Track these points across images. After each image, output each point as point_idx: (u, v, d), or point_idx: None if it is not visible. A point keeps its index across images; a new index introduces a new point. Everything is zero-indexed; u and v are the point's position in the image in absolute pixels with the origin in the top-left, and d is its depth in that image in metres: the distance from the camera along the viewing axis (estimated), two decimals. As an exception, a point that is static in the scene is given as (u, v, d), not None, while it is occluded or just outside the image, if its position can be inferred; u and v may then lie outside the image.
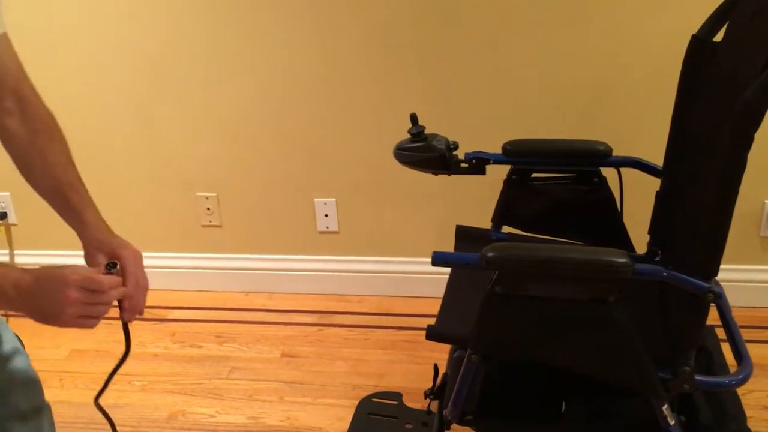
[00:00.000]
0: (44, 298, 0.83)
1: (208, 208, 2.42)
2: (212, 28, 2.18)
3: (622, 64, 2.03)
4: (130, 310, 0.97)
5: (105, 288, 0.88)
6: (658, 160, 1.49)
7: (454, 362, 1.44)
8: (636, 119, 2.07)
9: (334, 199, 2.32)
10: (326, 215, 2.35)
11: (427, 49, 2.10)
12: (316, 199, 2.34)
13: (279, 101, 2.23)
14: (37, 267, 0.88)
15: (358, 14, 2.10)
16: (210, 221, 2.44)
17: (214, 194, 2.41)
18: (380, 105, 2.17)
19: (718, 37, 1.30)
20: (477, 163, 1.54)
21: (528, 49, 2.07)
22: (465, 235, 1.58)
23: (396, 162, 1.56)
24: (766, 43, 1.01)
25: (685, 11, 1.93)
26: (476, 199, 2.13)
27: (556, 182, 1.54)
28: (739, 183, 1.01)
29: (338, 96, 2.20)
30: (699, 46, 1.32)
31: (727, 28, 1.26)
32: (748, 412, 1.28)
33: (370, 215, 2.34)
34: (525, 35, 2.06)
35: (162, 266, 2.48)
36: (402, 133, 1.56)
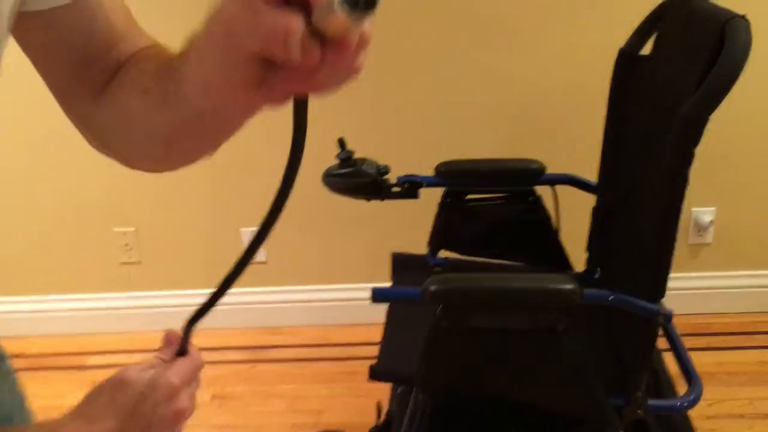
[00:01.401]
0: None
1: (127, 244, 2.27)
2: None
3: (551, 80, 2.03)
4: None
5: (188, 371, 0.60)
6: (592, 175, 1.47)
7: (398, 398, 1.37)
8: (568, 135, 2.06)
9: (260, 228, 2.22)
10: (253, 245, 2.24)
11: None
12: (242, 229, 2.23)
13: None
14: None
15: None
16: (129, 258, 2.29)
17: (132, 229, 2.26)
18: (310, 130, 2.09)
19: (647, 50, 1.29)
20: (410, 187, 1.50)
21: (455, 68, 2.03)
22: (402, 263, 1.52)
23: (324, 187, 1.49)
24: (699, 54, 1.00)
25: (610, 26, 1.93)
26: (410, 223, 2.07)
27: (492, 203, 1.50)
28: (682, 201, 0.98)
29: (260, 119, 2.10)
30: (627, 59, 1.31)
31: (655, 40, 1.25)
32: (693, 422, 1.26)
33: (300, 242, 2.25)
34: (452, 55, 2.02)
35: (79, 309, 2.31)
36: (329, 158, 1.49)
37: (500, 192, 1.50)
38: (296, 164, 0.50)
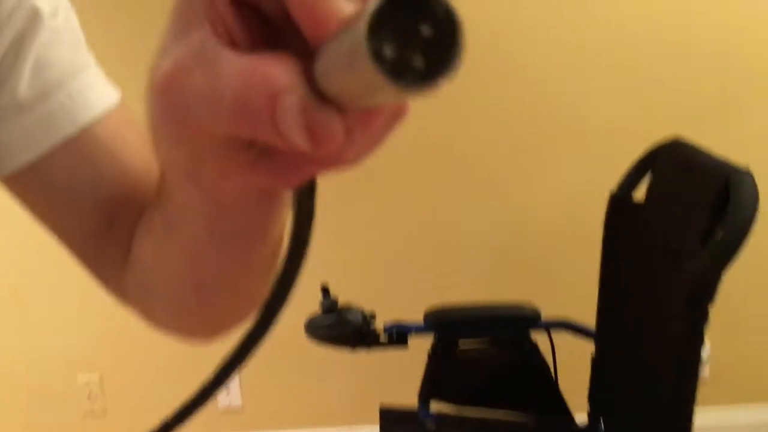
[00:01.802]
0: None
1: (90, 393, 2.12)
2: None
3: (542, 220, 1.99)
4: None
5: None
6: (588, 316, 1.40)
7: None
8: (562, 276, 2.00)
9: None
10: (227, 390, 2.10)
11: (335, 214, 1.99)
12: (215, 373, 2.10)
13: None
14: None
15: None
16: (92, 408, 2.13)
17: (96, 375, 2.12)
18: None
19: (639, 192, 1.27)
20: (398, 336, 1.42)
21: (444, 207, 2.00)
22: (390, 419, 1.41)
23: (306, 339, 1.41)
24: (700, 206, 0.96)
25: (598, 166, 1.92)
26: (398, 371, 1.96)
27: (485, 351, 1.42)
28: (699, 359, 0.92)
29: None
30: (619, 204, 1.28)
31: (650, 185, 1.22)
32: None
33: (279, 386, 2.12)
34: (440, 194, 2.00)
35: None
36: (312, 304, 1.41)
37: (494, 339, 1.42)
38: (294, 272, 0.34)
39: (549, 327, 1.41)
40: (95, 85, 0.45)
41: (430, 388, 1.44)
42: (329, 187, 1.99)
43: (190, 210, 0.34)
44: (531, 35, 1.93)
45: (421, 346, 1.45)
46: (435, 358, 1.42)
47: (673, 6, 1.89)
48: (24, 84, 0.42)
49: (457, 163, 1.99)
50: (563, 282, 1.98)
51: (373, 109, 0.24)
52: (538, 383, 1.42)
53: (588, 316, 1.40)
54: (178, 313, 0.46)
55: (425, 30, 0.20)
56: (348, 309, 1.41)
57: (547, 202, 1.99)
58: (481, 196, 1.99)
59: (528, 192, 1.98)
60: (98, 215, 0.46)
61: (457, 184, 1.99)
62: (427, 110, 1.91)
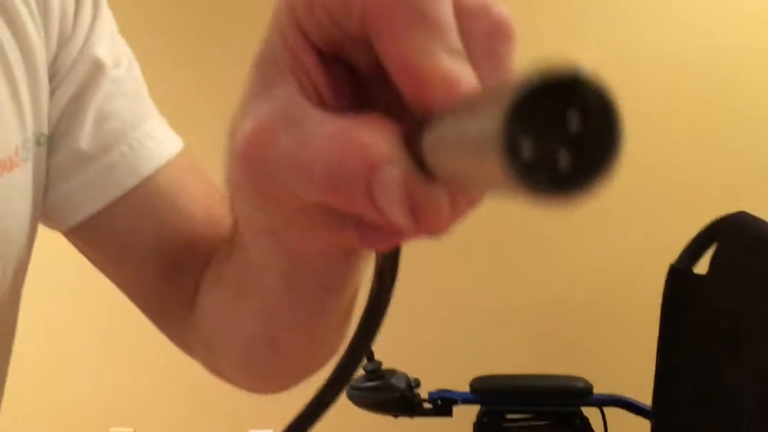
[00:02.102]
0: None
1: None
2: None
3: (594, 291, 1.94)
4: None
5: None
6: (644, 394, 1.34)
7: None
8: (616, 350, 1.93)
9: (272, 431, 2.05)
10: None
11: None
12: (251, 431, 2.06)
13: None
14: None
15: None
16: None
17: (131, 430, 2.09)
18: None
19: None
20: (442, 404, 1.38)
21: (494, 274, 1.96)
22: (433, 492, 1.35)
23: (348, 402, 1.37)
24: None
25: (657, 237, 1.87)
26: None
27: (534, 425, 1.36)
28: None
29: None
30: (679, 277, 1.23)
31: (714, 258, 1.17)
32: None
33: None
34: (490, 260, 1.96)
35: None
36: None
37: (543, 413, 1.36)
38: (374, 329, 0.31)
39: (602, 402, 1.35)
40: (156, 135, 0.44)
41: (474, 462, 1.38)
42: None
43: (266, 265, 0.32)
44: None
45: (465, 415, 1.39)
46: (481, 430, 1.36)
47: (731, 78, 1.87)
48: (86, 136, 0.42)
49: (506, 228, 1.96)
50: (616, 355, 1.91)
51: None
52: (589, 462, 1.35)
53: (643, 392, 1.34)
54: (251, 369, 0.43)
55: (573, 123, 0.16)
56: (392, 373, 1.38)
57: (599, 271, 1.94)
58: (530, 263, 1.95)
59: (578, 260, 1.94)
60: (161, 266, 0.44)
61: (506, 250, 1.96)
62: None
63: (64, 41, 0.42)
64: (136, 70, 0.46)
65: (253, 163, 0.23)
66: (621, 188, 2.01)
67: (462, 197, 0.22)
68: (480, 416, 1.37)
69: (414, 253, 1.74)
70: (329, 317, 0.36)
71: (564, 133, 0.16)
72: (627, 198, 1.91)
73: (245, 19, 1.80)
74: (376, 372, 1.36)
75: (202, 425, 2.08)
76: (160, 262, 0.45)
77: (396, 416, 1.38)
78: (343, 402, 1.40)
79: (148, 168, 0.43)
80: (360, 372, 1.39)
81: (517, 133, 0.16)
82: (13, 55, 0.39)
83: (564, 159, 0.16)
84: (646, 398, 1.33)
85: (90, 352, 2.08)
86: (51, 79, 0.42)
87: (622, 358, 1.87)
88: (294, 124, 0.22)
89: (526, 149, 0.16)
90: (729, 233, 1.13)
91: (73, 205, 0.43)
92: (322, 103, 0.23)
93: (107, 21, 0.44)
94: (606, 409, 1.36)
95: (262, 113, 0.23)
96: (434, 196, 0.21)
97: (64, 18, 0.41)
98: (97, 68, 0.42)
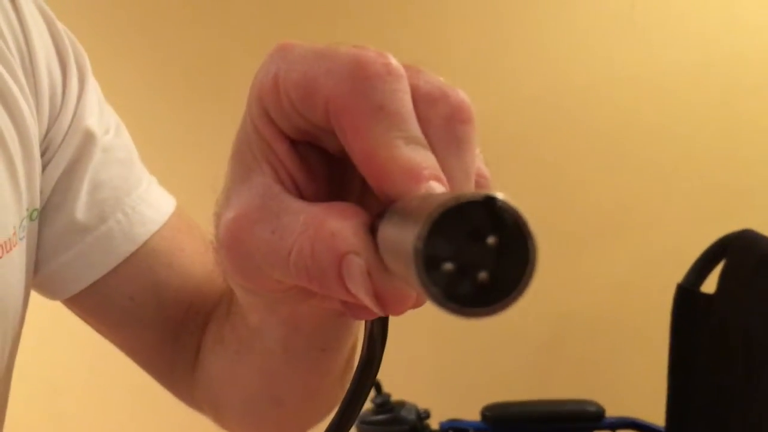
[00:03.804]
0: None
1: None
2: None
3: (608, 311, 1.92)
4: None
5: None
6: (657, 417, 1.32)
7: None
8: (627, 372, 1.91)
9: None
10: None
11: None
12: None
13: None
14: None
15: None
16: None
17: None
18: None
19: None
20: (454, 434, 1.35)
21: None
22: None
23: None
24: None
25: (671, 255, 1.87)
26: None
27: (547, 451, 1.34)
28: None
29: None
30: (687, 296, 1.22)
31: (722, 276, 1.17)
32: None
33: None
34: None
35: None
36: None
37: (556, 439, 1.34)
38: (367, 386, 0.32)
39: (614, 426, 1.33)
40: (149, 198, 0.45)
41: (489, 492, 1.36)
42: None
43: (263, 330, 0.34)
44: (580, 112, 1.92)
45: (478, 445, 1.37)
46: (494, 459, 1.34)
47: (740, 92, 1.88)
48: (81, 206, 0.43)
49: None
50: (628, 376, 1.90)
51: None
52: (605, 487, 1.33)
53: (656, 413, 1.33)
54: (257, 425, 0.45)
55: (490, 242, 0.17)
56: (402, 405, 1.36)
57: (607, 291, 1.93)
58: (536, 285, 1.93)
59: (585, 280, 1.92)
60: (162, 327, 0.45)
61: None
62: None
63: (54, 116, 0.42)
64: (125, 135, 0.46)
65: (235, 252, 0.25)
66: (631, 208, 2.01)
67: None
68: (492, 445, 1.35)
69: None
70: (328, 375, 0.37)
71: (479, 251, 0.17)
72: (636, 217, 1.92)
73: (240, 77, 1.80)
74: (385, 404, 1.35)
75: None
76: (160, 323, 0.45)
77: (407, 449, 1.35)
78: (353, 437, 1.35)
79: (143, 233, 0.44)
80: (369, 405, 1.37)
81: (432, 251, 0.16)
82: (9, 135, 0.39)
83: (479, 276, 0.17)
84: (658, 419, 1.32)
85: (90, 400, 2.04)
86: (43, 153, 0.42)
87: (634, 379, 1.86)
88: (269, 213, 0.23)
89: (444, 272, 0.16)
90: (737, 251, 1.13)
91: (72, 276, 0.43)
92: (296, 189, 0.24)
93: (93, 90, 0.45)
94: (619, 432, 1.34)
95: (241, 201, 0.24)
96: (396, 287, 0.21)
97: (54, 94, 0.42)
98: (87, 138, 0.43)
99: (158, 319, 0.45)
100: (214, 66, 1.98)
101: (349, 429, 0.33)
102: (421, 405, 1.38)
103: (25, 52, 0.41)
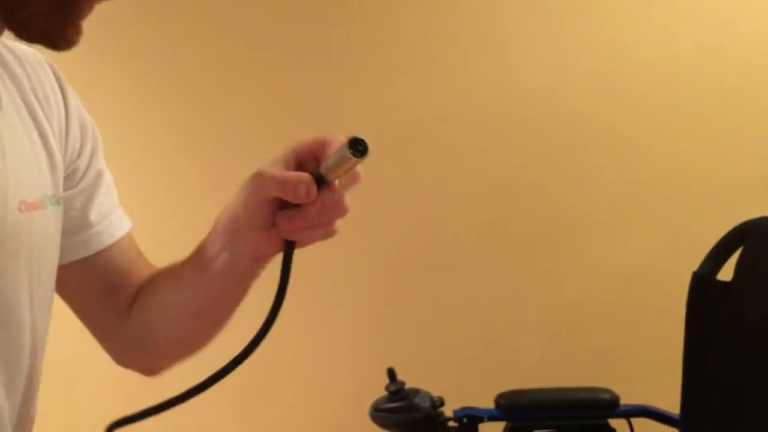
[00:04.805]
0: None
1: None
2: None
3: (623, 298, 1.92)
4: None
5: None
6: (671, 404, 1.32)
7: None
8: (641, 360, 1.91)
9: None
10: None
11: (400, 302, 1.95)
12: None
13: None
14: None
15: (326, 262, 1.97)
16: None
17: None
18: (353, 355, 1.96)
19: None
20: (468, 422, 1.36)
21: (512, 290, 1.94)
22: None
23: (371, 423, 1.35)
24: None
25: (686, 243, 1.86)
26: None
27: (561, 439, 1.34)
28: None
29: (305, 349, 1.99)
30: (702, 284, 1.21)
31: (740, 264, 1.16)
32: None
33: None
34: (512, 268, 1.94)
35: None
36: (378, 389, 1.36)
37: (570, 427, 1.34)
38: (280, 301, 0.61)
39: (629, 414, 1.33)
40: (120, 216, 0.75)
41: (503, 479, 1.36)
42: (395, 276, 1.96)
43: (219, 271, 0.65)
44: (596, 97, 1.91)
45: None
46: (508, 447, 1.35)
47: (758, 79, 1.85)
48: (93, 214, 0.72)
49: (525, 238, 1.95)
50: (643, 364, 1.89)
51: (339, 179, 0.58)
52: (619, 474, 1.33)
53: (671, 401, 1.32)
54: (174, 342, 0.74)
55: (361, 145, 0.54)
56: (416, 392, 1.36)
57: (621, 279, 1.92)
58: (551, 273, 1.93)
59: (600, 267, 1.92)
60: (112, 291, 0.74)
61: (525, 260, 1.94)
62: (497, 189, 1.89)
63: (73, 159, 0.70)
64: (110, 176, 0.75)
65: (261, 178, 0.60)
66: (645, 194, 1.99)
67: (325, 194, 0.58)
68: (506, 432, 1.35)
69: (428, 278, 1.73)
70: (234, 305, 0.69)
71: (362, 147, 0.54)
72: (651, 203, 1.90)
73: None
74: (399, 392, 1.35)
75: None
76: (111, 285, 0.73)
77: (421, 436, 1.36)
78: (367, 424, 1.38)
79: (118, 235, 0.74)
80: (383, 393, 1.38)
81: (354, 146, 0.54)
82: (46, 137, 0.67)
83: (363, 149, 0.54)
84: (673, 406, 1.31)
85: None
86: (68, 177, 0.70)
87: (648, 367, 1.85)
88: (279, 168, 0.60)
89: (358, 149, 0.54)
90: (754, 239, 1.12)
91: (76, 250, 0.71)
92: (288, 168, 0.60)
93: (101, 147, 0.74)
94: (634, 421, 1.34)
95: (264, 168, 0.60)
96: (314, 187, 0.58)
97: (74, 148, 0.70)
98: (99, 176, 0.73)
99: (111, 288, 0.73)
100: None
101: (258, 346, 0.60)
102: (435, 393, 1.38)
103: (63, 118, 0.69)
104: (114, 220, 0.73)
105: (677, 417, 1.30)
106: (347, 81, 2.00)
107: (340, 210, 0.59)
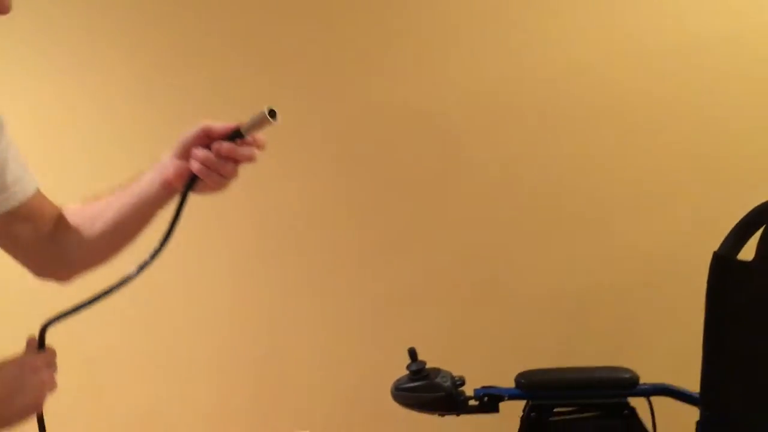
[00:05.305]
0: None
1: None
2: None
3: (643, 277, 1.92)
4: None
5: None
6: (691, 383, 1.33)
7: None
8: (662, 340, 1.91)
9: None
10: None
11: (420, 282, 1.97)
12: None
13: (256, 336, 2.03)
14: None
15: (349, 247, 1.99)
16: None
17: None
18: (375, 338, 1.99)
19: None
20: (489, 401, 1.37)
21: (536, 266, 1.95)
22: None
23: (393, 402, 1.37)
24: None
25: (707, 222, 1.85)
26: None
27: (582, 417, 1.35)
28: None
29: (327, 329, 2.02)
30: (723, 264, 1.21)
31: (760, 245, 1.16)
32: None
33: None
34: (531, 248, 1.95)
35: None
36: (399, 369, 1.38)
37: (590, 405, 1.35)
38: (177, 220, 0.85)
39: (649, 392, 1.34)
40: (32, 175, 0.95)
41: (523, 456, 1.38)
42: (417, 258, 1.97)
43: (134, 197, 0.90)
44: (611, 83, 1.90)
45: (511, 410, 1.39)
46: (528, 425, 1.36)
47: None
48: (9, 176, 0.91)
49: (547, 217, 1.95)
50: (662, 343, 1.90)
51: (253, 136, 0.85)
52: (639, 452, 1.34)
53: (691, 380, 1.33)
54: (101, 248, 0.95)
55: (272, 113, 0.80)
56: (437, 372, 1.38)
57: (641, 258, 1.92)
58: (572, 253, 1.93)
59: (620, 247, 1.92)
60: (37, 232, 0.94)
61: (546, 239, 1.94)
62: (517, 172, 1.89)
63: None
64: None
65: (185, 141, 0.88)
66: (666, 173, 1.99)
67: (242, 147, 0.85)
68: (527, 411, 1.37)
69: (454, 252, 1.73)
70: (141, 225, 0.92)
71: (273, 114, 0.81)
72: (672, 184, 1.90)
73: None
74: (420, 372, 1.36)
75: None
76: (37, 230, 0.94)
77: (442, 415, 1.38)
78: (389, 402, 1.40)
79: (32, 190, 0.94)
80: (405, 372, 1.39)
81: (270, 114, 0.81)
82: None
83: (273, 114, 0.81)
84: (692, 385, 1.32)
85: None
86: None
87: (668, 346, 1.85)
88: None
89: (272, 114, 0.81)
90: (775, 219, 1.12)
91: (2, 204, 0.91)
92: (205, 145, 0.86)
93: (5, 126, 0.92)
94: (654, 399, 1.35)
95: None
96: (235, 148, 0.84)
97: None
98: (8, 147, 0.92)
99: (36, 228, 0.94)
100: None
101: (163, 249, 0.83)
102: (456, 372, 1.39)
103: None
104: (28, 178, 0.93)
105: (697, 395, 1.31)
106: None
107: (249, 158, 0.83)
